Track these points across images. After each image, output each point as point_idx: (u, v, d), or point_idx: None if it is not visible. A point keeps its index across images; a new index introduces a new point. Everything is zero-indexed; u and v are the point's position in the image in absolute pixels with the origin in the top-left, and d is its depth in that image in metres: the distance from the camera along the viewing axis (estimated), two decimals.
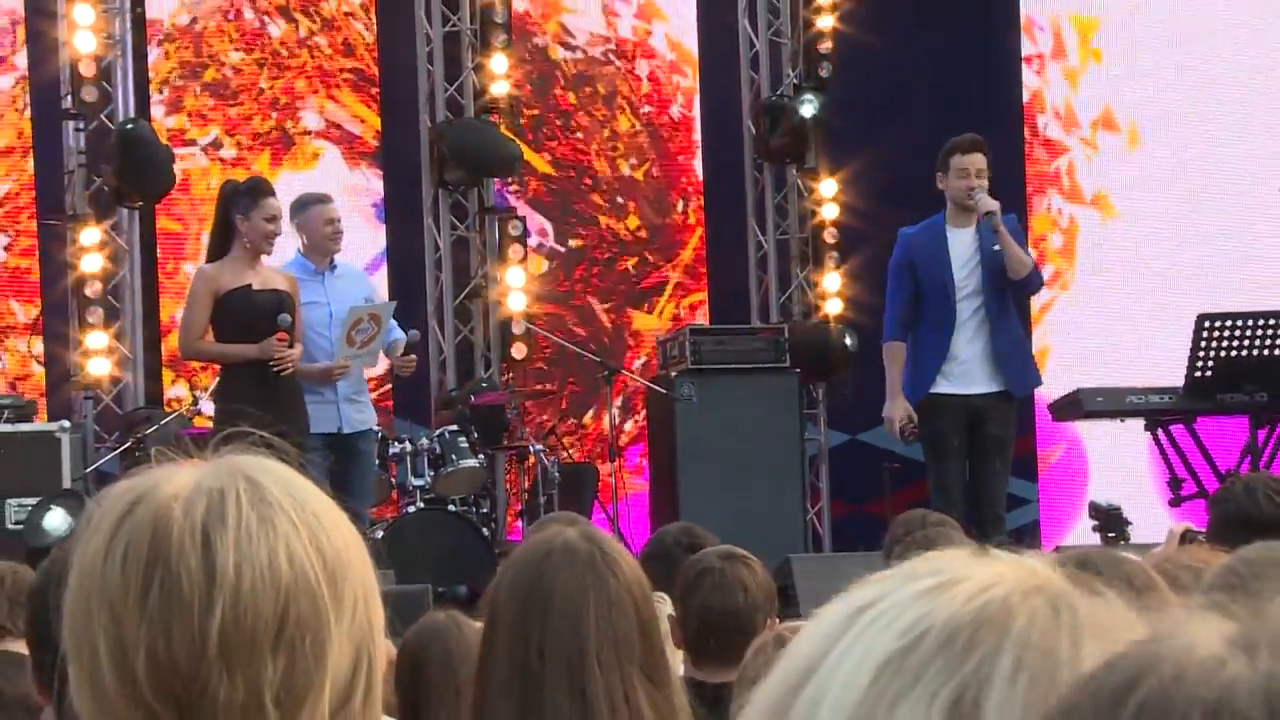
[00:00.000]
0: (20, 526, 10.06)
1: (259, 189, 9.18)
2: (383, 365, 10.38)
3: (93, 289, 11.44)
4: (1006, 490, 9.64)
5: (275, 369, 8.97)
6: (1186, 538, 5.31)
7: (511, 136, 12.45)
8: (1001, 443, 9.46)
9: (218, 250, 9.14)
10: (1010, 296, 9.62)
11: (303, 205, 9.66)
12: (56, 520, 9.85)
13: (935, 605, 1.02)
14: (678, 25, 13.23)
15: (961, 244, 9.52)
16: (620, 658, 2.64)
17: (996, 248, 9.42)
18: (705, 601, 4.34)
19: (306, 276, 9.46)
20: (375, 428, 9.86)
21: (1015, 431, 9.64)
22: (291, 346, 9.11)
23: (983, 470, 9.49)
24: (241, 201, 9.04)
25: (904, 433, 9.55)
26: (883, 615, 1.03)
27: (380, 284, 11.71)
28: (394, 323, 9.78)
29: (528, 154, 12.92)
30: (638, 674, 2.66)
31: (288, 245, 9.51)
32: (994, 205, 9.40)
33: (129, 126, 11.38)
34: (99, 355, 11.46)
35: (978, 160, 9.48)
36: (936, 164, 9.58)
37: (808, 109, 12.58)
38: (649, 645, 2.69)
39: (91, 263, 11.46)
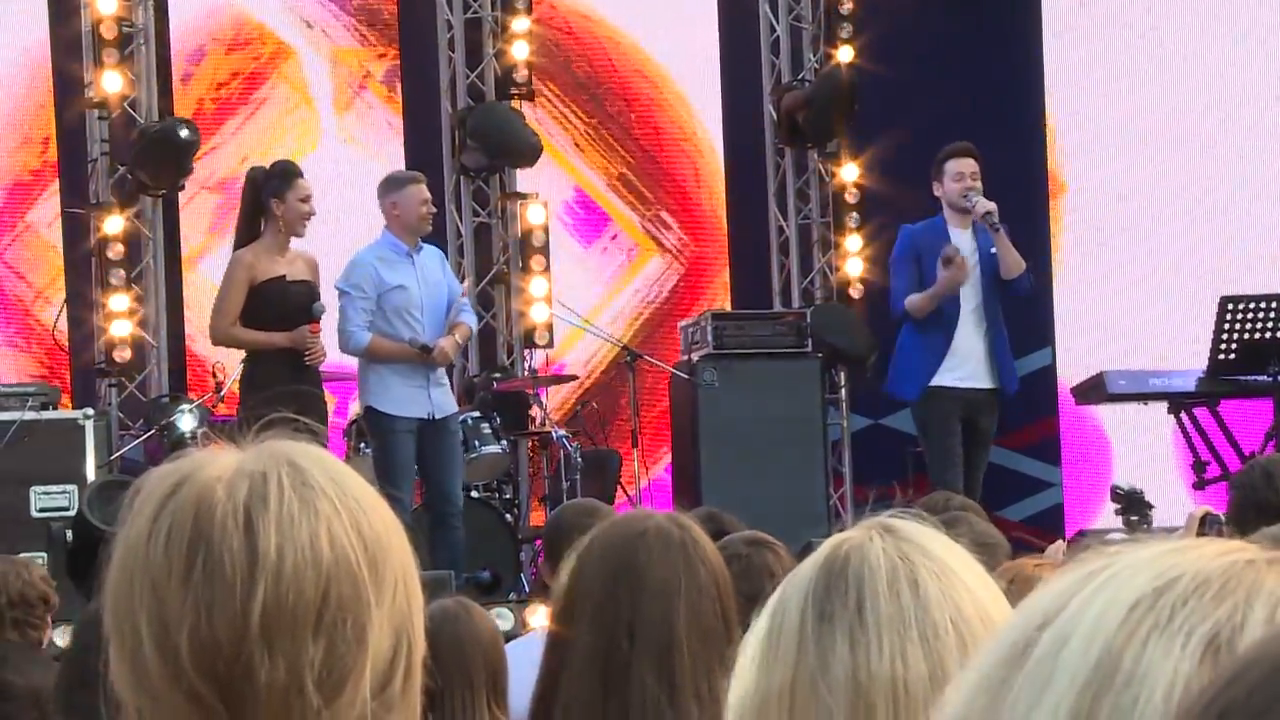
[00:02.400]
0: (45, 514, 10.09)
1: (290, 171, 9.24)
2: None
3: (117, 277, 11.47)
4: (980, 480, 9.87)
5: (306, 359, 9.02)
6: (1206, 521, 5.31)
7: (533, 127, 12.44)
8: (988, 437, 9.83)
9: (246, 236, 9.18)
10: (999, 297, 9.82)
11: (397, 184, 9.64)
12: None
13: (1183, 558, 1.03)
14: (698, 9, 13.22)
15: (963, 244, 9.77)
16: (707, 647, 2.63)
17: (994, 250, 9.65)
18: (734, 585, 4.34)
19: (397, 257, 9.48)
20: (459, 411, 9.88)
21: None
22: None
23: (967, 464, 9.73)
24: (274, 184, 9.10)
25: (950, 255, 9.57)
26: (1129, 566, 1.04)
27: None
28: (466, 301, 9.85)
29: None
30: (719, 665, 2.65)
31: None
32: (991, 206, 9.67)
33: (183, 133, 11.34)
34: (123, 342, 11.49)
35: (970, 164, 9.80)
36: (931, 172, 9.81)
37: (835, 69, 12.60)
38: (730, 637, 2.68)
39: (115, 250, 11.48)
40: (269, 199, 9.06)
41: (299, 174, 9.22)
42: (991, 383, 9.79)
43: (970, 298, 9.79)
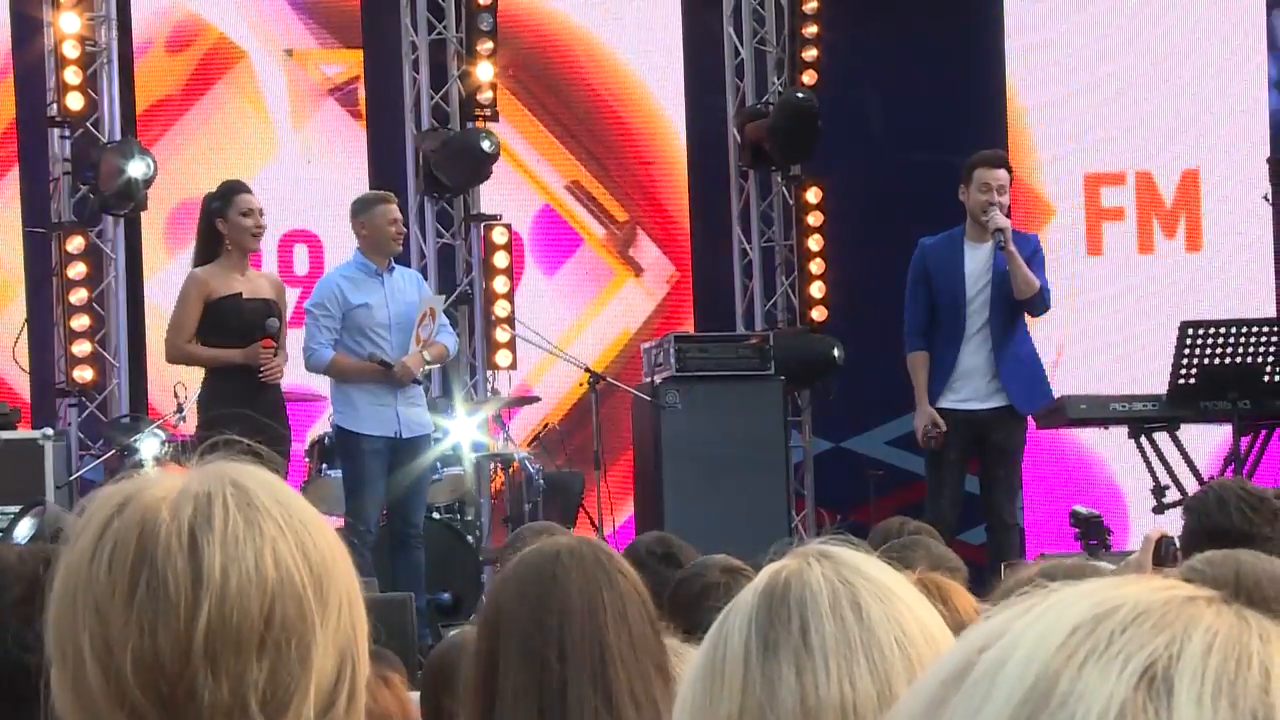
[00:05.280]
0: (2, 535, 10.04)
1: (231, 188, 9.34)
2: None
3: (77, 296, 11.43)
4: (1016, 499, 9.78)
5: (261, 376, 9.03)
6: (1162, 543, 5.32)
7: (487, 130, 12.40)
8: (1003, 452, 9.66)
9: (202, 259, 9.25)
10: (1021, 315, 9.76)
11: (365, 204, 9.68)
12: (24, 529, 9.84)
13: (1125, 590, 1.06)
14: (663, 32, 13.23)
15: (977, 259, 9.66)
16: (637, 655, 2.65)
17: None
18: (709, 616, 4.33)
19: (366, 277, 9.50)
20: (433, 431, 9.83)
21: (1022, 443, 9.80)
22: (277, 354, 9.19)
23: (986, 480, 9.69)
24: (217, 205, 9.20)
25: (927, 439, 9.66)
26: (1072, 594, 1.06)
27: None
28: (445, 320, 9.82)
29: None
30: (653, 669, 2.67)
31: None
32: (1004, 223, 9.55)
33: (136, 170, 11.29)
34: (84, 361, 11.45)
35: (1000, 175, 9.65)
36: (961, 175, 9.71)
37: (793, 95, 12.60)
38: (659, 641, 2.71)
39: (76, 270, 11.45)
40: (215, 220, 9.17)
41: (241, 190, 9.31)
42: (1000, 401, 9.62)
43: (977, 316, 9.67)
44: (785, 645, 1.86)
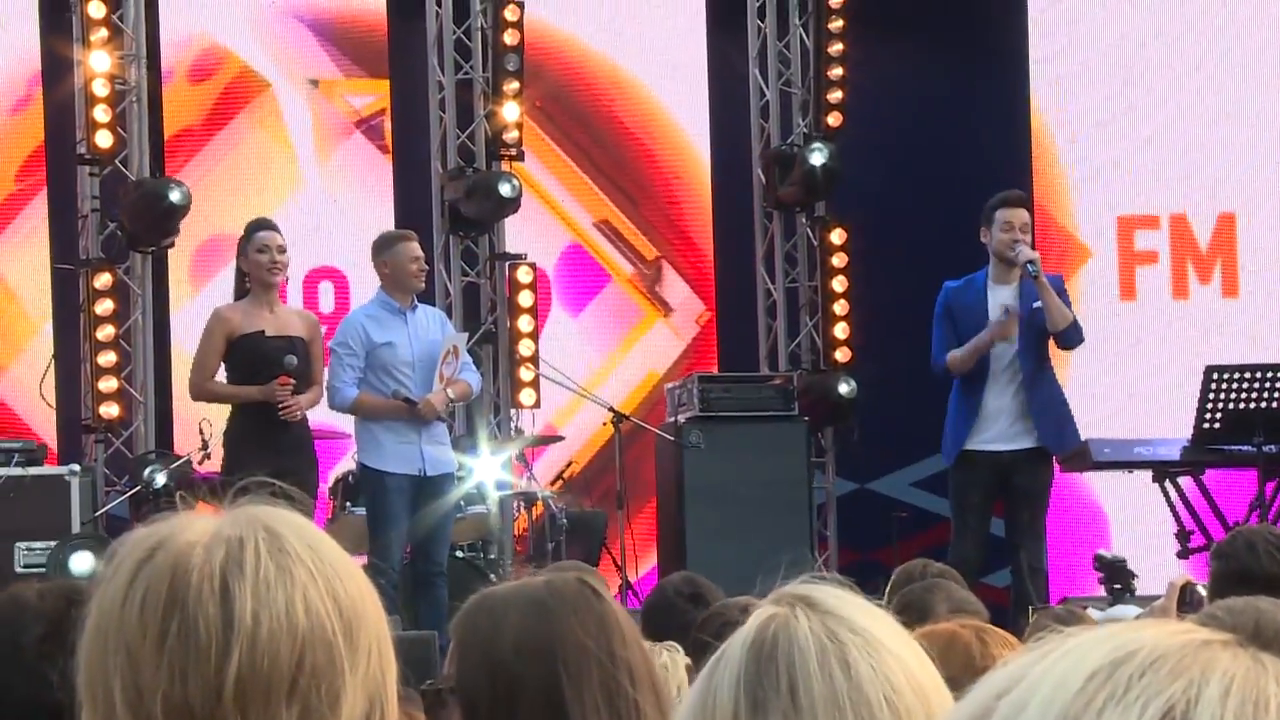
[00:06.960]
0: (30, 570, 10.06)
1: (251, 226, 9.45)
2: None
3: (104, 333, 11.47)
4: (1041, 543, 9.74)
5: (280, 413, 9.06)
6: (1187, 590, 5.31)
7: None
8: (1029, 495, 9.61)
9: (239, 296, 9.39)
10: (1048, 356, 9.74)
11: (387, 242, 9.75)
12: (84, 563, 9.86)
13: (1142, 634, 1.06)
14: (688, 74, 13.26)
15: (1000, 300, 9.64)
16: (636, 685, 2.65)
17: (1037, 304, 9.54)
18: None
19: (389, 314, 9.55)
20: (457, 470, 9.85)
21: (1048, 486, 9.76)
22: (302, 390, 9.22)
23: (1011, 523, 9.65)
24: (241, 242, 9.30)
25: (1009, 314, 9.53)
26: (1089, 640, 1.07)
27: None
28: (468, 359, 9.85)
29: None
30: (649, 699, 2.67)
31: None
32: (1034, 255, 9.54)
33: (173, 196, 11.32)
34: (110, 397, 11.48)
35: (1022, 215, 9.66)
36: (981, 219, 9.71)
37: (817, 157, 12.62)
38: (652, 672, 2.70)
39: (104, 307, 11.48)
40: (239, 257, 9.30)
41: (259, 227, 9.42)
42: (1029, 442, 9.58)
43: (1002, 356, 9.62)
44: (774, 705, 1.86)
